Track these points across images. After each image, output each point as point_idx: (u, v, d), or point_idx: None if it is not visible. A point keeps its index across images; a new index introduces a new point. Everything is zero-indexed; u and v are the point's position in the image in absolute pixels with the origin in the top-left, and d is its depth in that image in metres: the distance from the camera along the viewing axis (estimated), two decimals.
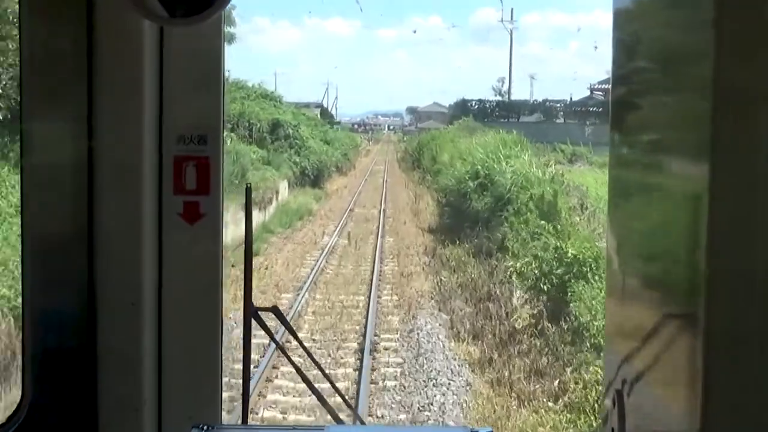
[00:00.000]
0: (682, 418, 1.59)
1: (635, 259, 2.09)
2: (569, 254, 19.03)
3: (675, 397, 1.66)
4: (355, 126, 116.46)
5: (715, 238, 1.48)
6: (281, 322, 2.83)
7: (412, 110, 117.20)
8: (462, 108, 73.05)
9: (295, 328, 11.01)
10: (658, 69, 1.89)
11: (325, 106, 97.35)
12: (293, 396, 13.75)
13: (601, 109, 58.49)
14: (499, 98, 79.01)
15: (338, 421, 2.81)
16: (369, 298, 20.30)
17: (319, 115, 76.73)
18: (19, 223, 2.80)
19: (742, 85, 1.45)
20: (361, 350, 16.18)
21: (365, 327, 17.74)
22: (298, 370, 2.82)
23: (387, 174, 63.05)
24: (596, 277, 17.63)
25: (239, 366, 2.85)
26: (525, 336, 17.39)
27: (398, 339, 17.42)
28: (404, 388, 14.54)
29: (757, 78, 1.46)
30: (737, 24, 1.46)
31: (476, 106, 73.65)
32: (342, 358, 15.95)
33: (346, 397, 3.26)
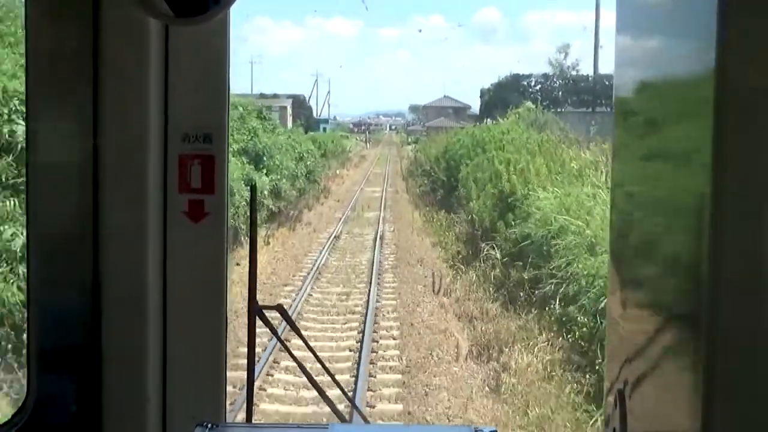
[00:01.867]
0: (684, 420, 1.59)
1: (637, 258, 2.09)
2: None
3: (677, 398, 1.66)
4: (353, 126, 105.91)
5: (718, 239, 1.48)
6: (285, 321, 2.84)
7: (414, 108, 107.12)
8: (508, 90, 44.73)
9: None
10: (661, 68, 1.89)
11: (307, 99, 77.61)
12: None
13: None
14: (561, 73, 49.24)
15: (342, 419, 2.81)
16: None
17: (290, 110, 55.12)
18: (25, 221, 2.82)
19: (746, 84, 1.45)
20: None
21: None
22: (302, 368, 2.83)
23: (386, 214, 31.63)
24: None
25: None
26: None
27: None
28: None
29: (761, 76, 1.46)
30: (741, 22, 1.46)
31: (537, 86, 45.18)
32: None
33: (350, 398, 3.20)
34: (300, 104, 69.73)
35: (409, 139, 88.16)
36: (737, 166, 1.47)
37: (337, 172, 50.47)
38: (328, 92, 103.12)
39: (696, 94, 1.60)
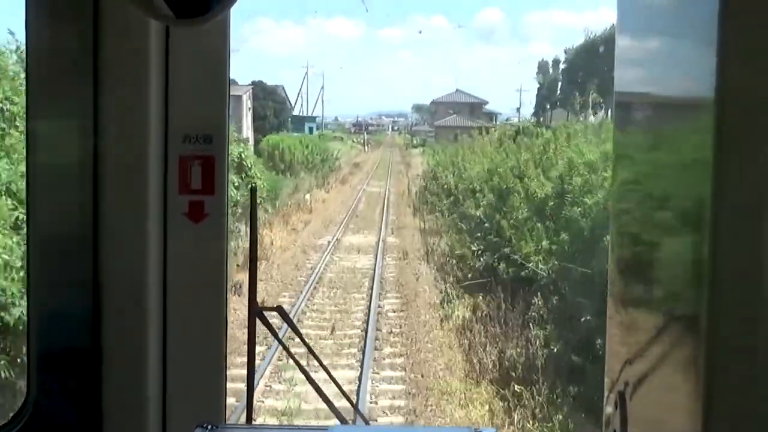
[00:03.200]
0: (685, 422, 1.58)
1: (638, 259, 2.08)
2: None
3: (677, 399, 1.66)
4: (352, 126, 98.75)
5: (718, 239, 1.47)
6: (285, 322, 2.83)
7: (419, 108, 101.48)
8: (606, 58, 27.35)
9: None
10: (662, 68, 1.88)
11: (293, 93, 63.00)
12: None
13: None
14: None
15: (343, 421, 2.81)
16: None
17: (248, 102, 40.07)
18: (25, 221, 2.82)
19: (747, 85, 1.45)
20: None
21: None
22: (302, 370, 2.82)
23: None
24: None
25: None
26: None
27: None
28: None
29: (762, 77, 1.45)
30: (742, 23, 1.45)
31: None
32: None
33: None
34: (269, 95, 50.21)
35: (414, 141, 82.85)
36: (737, 166, 1.46)
37: (306, 197, 31.70)
38: (322, 87, 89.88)
39: (697, 94, 1.59)
